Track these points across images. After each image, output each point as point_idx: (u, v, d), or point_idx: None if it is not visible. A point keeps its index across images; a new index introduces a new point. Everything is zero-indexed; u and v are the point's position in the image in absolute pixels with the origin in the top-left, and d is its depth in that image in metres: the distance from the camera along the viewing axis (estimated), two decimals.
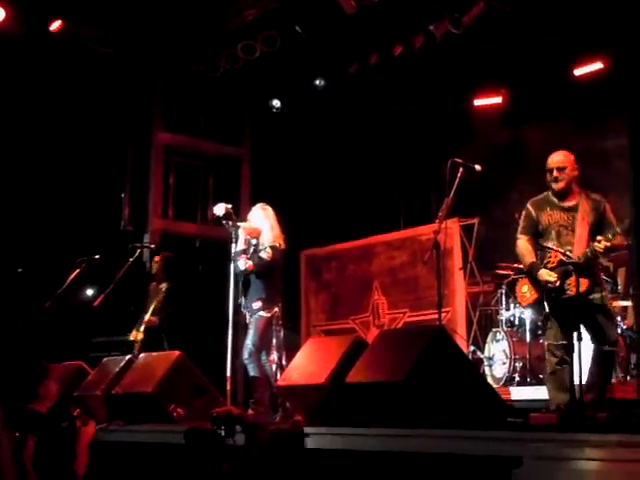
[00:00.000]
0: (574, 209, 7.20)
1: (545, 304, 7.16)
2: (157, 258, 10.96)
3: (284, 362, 8.50)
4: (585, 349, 7.04)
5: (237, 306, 8.50)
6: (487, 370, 10.27)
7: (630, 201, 4.73)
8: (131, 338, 10.28)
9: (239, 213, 13.33)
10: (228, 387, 8.23)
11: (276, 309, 8.53)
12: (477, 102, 12.77)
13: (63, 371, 6.33)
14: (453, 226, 11.13)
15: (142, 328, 10.27)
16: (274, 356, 8.48)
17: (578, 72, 11.48)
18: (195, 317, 10.79)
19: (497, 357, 10.24)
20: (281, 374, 8.18)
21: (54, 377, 6.03)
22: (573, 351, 7.07)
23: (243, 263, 8.50)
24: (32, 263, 11.31)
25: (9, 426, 5.71)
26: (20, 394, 5.92)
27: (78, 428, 6.03)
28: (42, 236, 11.64)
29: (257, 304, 8.44)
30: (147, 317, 10.25)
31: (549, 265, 7.16)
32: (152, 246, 11.52)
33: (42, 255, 11.46)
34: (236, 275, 8.53)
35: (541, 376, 9.74)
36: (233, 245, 8.61)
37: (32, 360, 8.28)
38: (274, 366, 8.47)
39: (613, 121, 11.25)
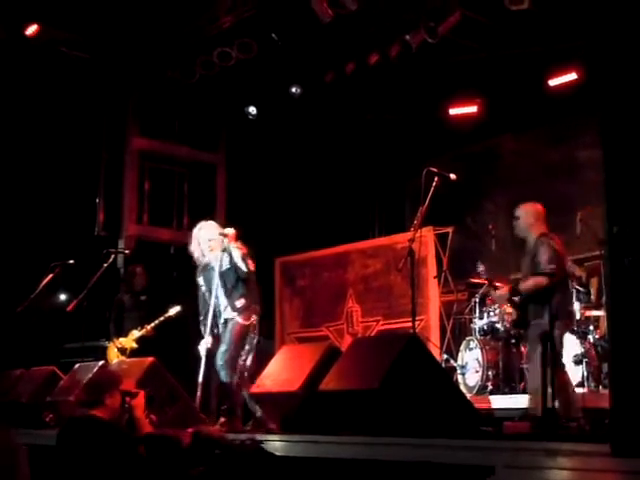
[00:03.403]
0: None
1: None
2: (140, 270, 10.87)
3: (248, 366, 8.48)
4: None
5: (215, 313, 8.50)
6: (460, 378, 10.30)
7: (603, 213, 4.75)
8: (119, 345, 10.21)
9: (214, 219, 13.39)
10: (199, 393, 8.24)
11: (254, 317, 8.54)
12: (452, 111, 12.81)
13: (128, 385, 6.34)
14: (428, 235, 11.15)
15: (135, 337, 10.24)
16: (248, 363, 8.46)
17: (553, 82, 11.54)
18: (169, 324, 10.74)
19: (470, 365, 10.27)
20: (248, 381, 8.21)
21: (120, 390, 6.04)
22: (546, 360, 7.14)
23: (245, 265, 8.48)
24: (5, 267, 11.24)
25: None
26: (88, 400, 5.95)
27: (128, 405, 6.03)
28: (15, 240, 11.57)
29: (240, 302, 8.45)
30: (148, 328, 10.22)
31: None
32: (126, 252, 11.50)
33: (15, 259, 11.38)
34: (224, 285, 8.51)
35: (513, 384, 9.81)
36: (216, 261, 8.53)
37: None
38: (246, 373, 8.46)
39: (587, 132, 11.32)
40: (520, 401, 9.15)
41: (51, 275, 9.65)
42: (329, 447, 5.90)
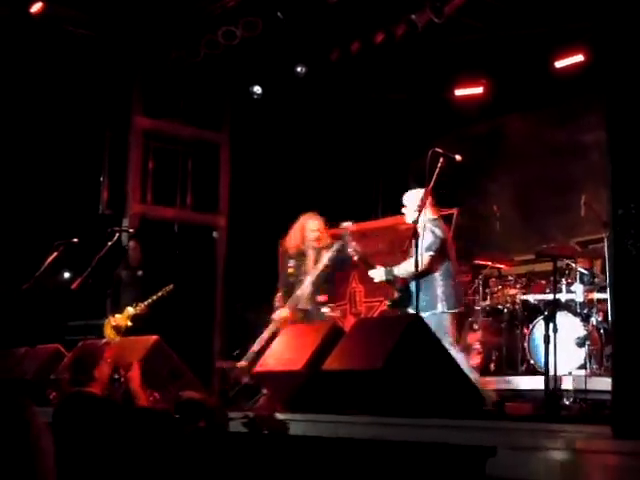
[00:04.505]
0: None
1: None
2: (133, 244, 10.89)
3: None
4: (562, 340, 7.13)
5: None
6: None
7: (608, 195, 4.76)
8: (113, 323, 10.21)
9: (218, 198, 13.43)
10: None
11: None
12: (458, 92, 12.78)
13: (110, 351, 6.32)
14: None
15: (129, 315, 10.25)
16: None
17: (559, 64, 11.50)
18: (173, 301, 10.77)
19: (473, 346, 10.28)
20: None
21: (106, 358, 6.04)
22: (548, 342, 7.17)
23: None
24: (10, 245, 11.26)
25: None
26: (77, 378, 5.96)
27: (123, 378, 6.05)
28: (20, 218, 11.58)
29: (323, 297, 8.74)
30: (142, 306, 10.21)
31: None
32: (131, 230, 11.50)
33: (20, 238, 11.40)
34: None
35: (516, 366, 9.81)
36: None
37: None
38: None
39: (593, 113, 11.27)
40: (522, 382, 9.19)
41: (55, 253, 9.66)
42: (332, 427, 5.92)
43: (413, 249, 7.78)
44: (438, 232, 8.01)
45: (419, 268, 7.84)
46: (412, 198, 8.38)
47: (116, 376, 6.13)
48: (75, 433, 5.66)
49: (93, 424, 5.64)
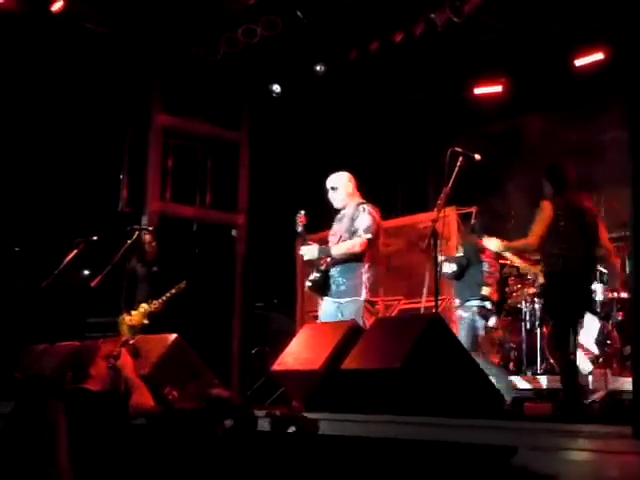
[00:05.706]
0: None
1: None
2: (150, 239, 10.70)
3: None
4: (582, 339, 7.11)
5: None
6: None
7: (629, 196, 4.75)
8: (129, 322, 10.17)
9: (237, 197, 13.44)
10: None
11: None
12: (477, 91, 12.76)
13: (109, 349, 6.29)
14: (451, 215, 11.13)
15: (145, 312, 10.21)
16: None
17: (579, 62, 11.47)
18: (192, 300, 10.77)
19: (492, 345, 10.26)
20: None
21: (102, 355, 6.04)
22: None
23: None
24: (30, 242, 11.31)
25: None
26: (76, 378, 5.97)
27: (114, 367, 6.04)
28: (40, 216, 11.64)
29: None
30: (157, 303, 10.17)
31: None
32: (150, 228, 11.50)
33: (40, 235, 11.45)
34: None
35: (535, 365, 9.80)
36: None
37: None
38: None
39: (613, 112, 11.23)
40: (542, 382, 9.18)
41: (75, 251, 9.70)
42: (350, 426, 5.92)
43: (432, 247, 7.77)
44: (374, 213, 7.97)
45: (356, 250, 7.81)
46: (341, 180, 8.39)
47: (110, 364, 6.11)
48: (73, 429, 5.67)
49: (88, 418, 5.65)
